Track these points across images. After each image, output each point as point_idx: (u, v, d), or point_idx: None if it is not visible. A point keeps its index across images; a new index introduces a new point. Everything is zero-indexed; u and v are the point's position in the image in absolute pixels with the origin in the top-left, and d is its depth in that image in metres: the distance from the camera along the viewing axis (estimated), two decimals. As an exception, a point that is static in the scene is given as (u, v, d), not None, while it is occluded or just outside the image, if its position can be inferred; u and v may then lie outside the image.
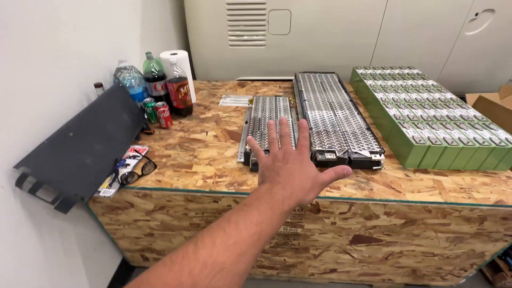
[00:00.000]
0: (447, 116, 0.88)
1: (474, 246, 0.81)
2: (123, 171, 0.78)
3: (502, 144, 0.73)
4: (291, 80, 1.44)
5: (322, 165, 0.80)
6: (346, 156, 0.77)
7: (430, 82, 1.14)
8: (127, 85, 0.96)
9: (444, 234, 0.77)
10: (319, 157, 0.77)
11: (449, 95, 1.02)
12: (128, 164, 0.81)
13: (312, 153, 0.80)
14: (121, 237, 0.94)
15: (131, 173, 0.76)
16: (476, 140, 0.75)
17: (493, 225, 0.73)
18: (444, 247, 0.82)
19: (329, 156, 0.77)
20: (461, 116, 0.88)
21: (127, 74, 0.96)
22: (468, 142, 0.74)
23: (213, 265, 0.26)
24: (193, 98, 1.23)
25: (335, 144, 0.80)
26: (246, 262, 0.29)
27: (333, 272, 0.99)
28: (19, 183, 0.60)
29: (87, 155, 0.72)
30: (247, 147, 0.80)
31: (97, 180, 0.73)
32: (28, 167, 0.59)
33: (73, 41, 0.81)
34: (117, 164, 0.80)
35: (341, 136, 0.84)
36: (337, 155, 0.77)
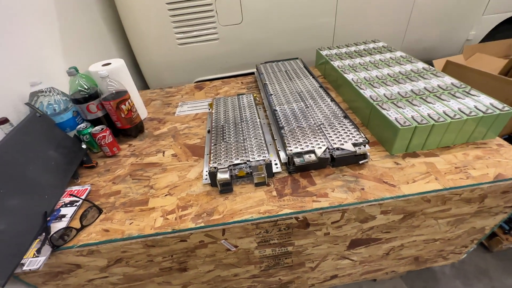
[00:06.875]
0: (425, 88, 0.80)
1: (474, 224, 0.75)
2: (57, 226, 0.60)
3: (489, 111, 0.67)
4: (253, 73, 1.30)
5: (303, 169, 0.68)
6: (327, 155, 0.66)
7: (398, 53, 1.06)
8: (49, 113, 0.76)
9: (445, 219, 0.70)
10: (297, 161, 0.65)
11: (420, 64, 0.95)
12: (64, 215, 0.63)
13: (288, 157, 0.68)
14: (79, 300, 0.77)
15: (67, 229, 0.59)
16: (462, 111, 0.68)
17: (493, 200, 0.66)
18: (445, 231, 0.75)
19: (308, 157, 0.66)
20: (438, 86, 0.81)
21: (46, 99, 0.76)
22: (454, 115, 0.66)
23: None
24: (144, 112, 1.05)
25: (312, 142, 0.69)
26: None
27: (334, 278, 0.90)
28: None
29: (-4, 219, 0.54)
30: (212, 164, 0.66)
31: (19, 248, 0.55)
32: None
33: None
34: (48, 219, 0.62)
35: (318, 131, 0.73)
36: (318, 155, 0.65)
